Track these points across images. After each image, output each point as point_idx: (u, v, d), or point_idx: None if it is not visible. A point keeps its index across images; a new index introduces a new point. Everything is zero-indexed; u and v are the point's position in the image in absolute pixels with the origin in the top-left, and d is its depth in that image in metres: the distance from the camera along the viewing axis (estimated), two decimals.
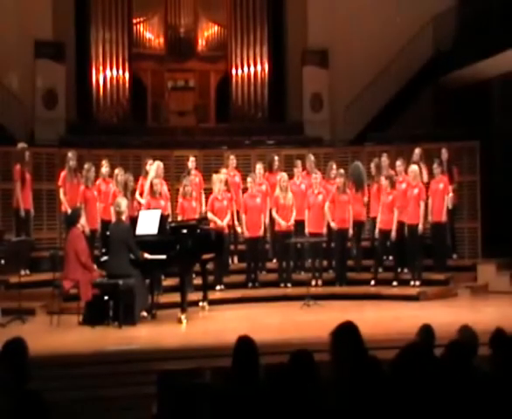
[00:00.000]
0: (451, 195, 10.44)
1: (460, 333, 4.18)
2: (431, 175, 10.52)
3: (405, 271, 10.25)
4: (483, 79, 12.65)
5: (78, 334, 7.53)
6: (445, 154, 10.72)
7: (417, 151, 10.60)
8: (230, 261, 10.51)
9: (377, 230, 10.11)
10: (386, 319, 8.17)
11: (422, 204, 9.95)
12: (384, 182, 10.09)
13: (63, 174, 9.94)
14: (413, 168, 10.10)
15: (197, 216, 9.66)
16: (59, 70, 13.42)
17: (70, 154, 9.98)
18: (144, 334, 7.61)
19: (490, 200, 11.55)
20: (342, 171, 10.34)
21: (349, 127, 13.73)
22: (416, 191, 9.95)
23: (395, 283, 10.01)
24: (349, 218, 10.08)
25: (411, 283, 9.94)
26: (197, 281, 9.37)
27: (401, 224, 10.03)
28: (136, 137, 12.87)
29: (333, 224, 10.09)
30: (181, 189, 10.01)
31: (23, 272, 9.23)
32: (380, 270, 10.27)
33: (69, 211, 9.32)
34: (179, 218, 9.74)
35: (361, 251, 10.42)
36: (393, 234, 9.98)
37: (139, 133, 13.28)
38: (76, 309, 7.96)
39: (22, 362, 3.29)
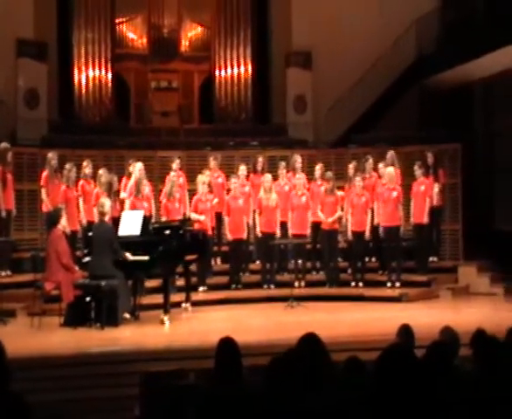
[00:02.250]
0: (436, 190, 10.54)
1: (441, 333, 4.22)
2: (412, 177, 10.61)
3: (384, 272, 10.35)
4: (466, 82, 12.76)
5: (59, 336, 7.48)
6: (430, 157, 10.81)
7: (389, 154, 10.66)
8: (213, 262, 10.50)
9: (349, 232, 10.15)
10: (369, 320, 8.21)
11: (400, 207, 10.05)
12: (358, 183, 10.15)
13: (45, 174, 9.87)
14: (389, 170, 10.20)
15: (180, 218, 9.65)
16: (42, 69, 13.31)
17: (50, 155, 9.90)
18: (127, 336, 7.58)
19: (471, 202, 11.66)
20: (330, 173, 10.38)
21: (332, 129, 13.77)
22: (395, 194, 10.04)
23: (389, 283, 10.04)
24: (336, 220, 10.13)
25: (388, 284, 10.01)
26: (180, 282, 9.36)
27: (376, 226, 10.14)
28: (120, 137, 12.80)
29: (330, 220, 10.08)
30: (165, 190, 9.98)
31: (3, 273, 9.17)
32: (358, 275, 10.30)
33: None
34: (163, 219, 9.72)
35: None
36: (367, 235, 10.04)
37: (122, 134, 13.21)
38: (58, 310, 7.90)
39: (0, 364, 3.26)
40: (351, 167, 10.65)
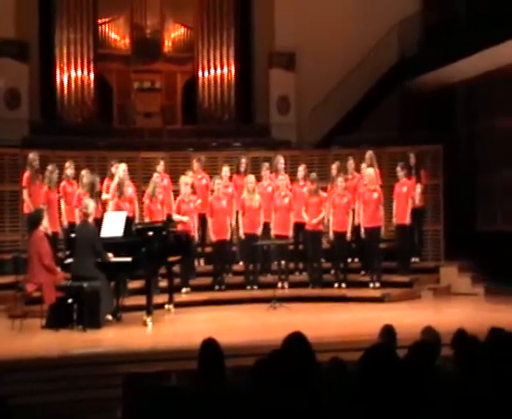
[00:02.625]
0: (418, 190, 10.62)
1: (423, 334, 4.25)
2: (395, 178, 10.69)
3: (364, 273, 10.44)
4: (448, 84, 12.86)
5: (41, 338, 7.43)
6: (413, 158, 10.91)
7: (367, 155, 10.71)
8: (196, 263, 10.49)
9: (331, 233, 10.20)
10: (352, 320, 8.25)
11: (381, 208, 10.12)
12: (340, 183, 10.20)
13: (26, 175, 9.78)
14: (369, 171, 10.27)
15: (163, 219, 9.63)
16: (23, 69, 13.19)
17: (31, 156, 9.81)
18: (109, 337, 7.57)
19: (453, 203, 11.76)
20: (314, 174, 10.41)
21: (315, 130, 13.81)
22: (375, 195, 10.11)
23: (371, 284, 10.09)
24: (320, 220, 10.17)
25: (371, 285, 10.08)
26: (164, 283, 9.35)
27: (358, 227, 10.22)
28: (102, 138, 12.73)
29: (314, 221, 10.11)
30: (148, 191, 9.97)
31: None
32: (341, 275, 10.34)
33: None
34: (146, 220, 9.71)
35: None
36: (348, 235, 10.11)
37: (105, 135, 13.13)
38: (39, 312, 7.85)
39: None
40: (334, 167, 10.72)
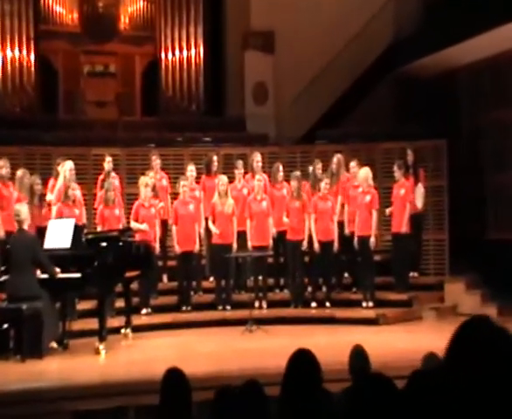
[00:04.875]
0: (422, 190, 10.68)
1: (424, 361, 4.25)
2: (389, 178, 10.75)
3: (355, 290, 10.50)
4: (450, 69, 12.98)
5: None
6: (410, 155, 10.97)
7: (336, 159, 10.66)
8: (158, 280, 10.45)
9: (316, 244, 10.20)
10: (339, 345, 8.22)
11: (375, 213, 10.15)
12: (324, 185, 10.23)
13: None
14: (364, 170, 10.27)
15: (120, 227, 9.60)
16: None
17: None
18: (54, 369, 7.49)
19: (459, 208, 11.84)
20: (297, 173, 10.41)
21: (297, 123, 13.85)
22: (368, 198, 10.15)
23: (364, 303, 10.13)
24: (303, 228, 10.17)
25: (364, 304, 10.12)
26: (119, 304, 9.31)
27: (353, 236, 10.25)
28: (45, 132, 12.64)
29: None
30: (100, 194, 9.93)
31: None
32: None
33: None
34: (98, 229, 9.67)
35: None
36: (336, 245, 10.14)
37: (49, 128, 13.05)
38: None
39: None
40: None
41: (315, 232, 10.16)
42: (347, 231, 10.36)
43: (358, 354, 4.46)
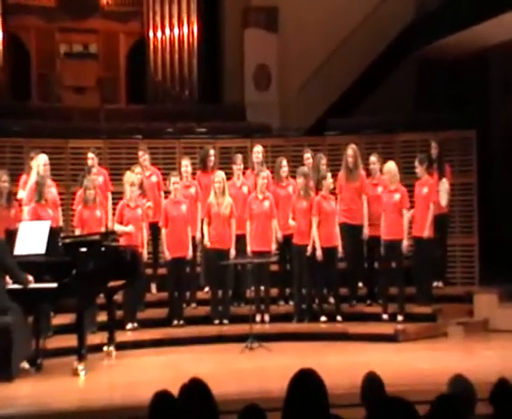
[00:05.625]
0: (446, 187, 10.63)
1: (451, 384, 4.23)
2: (409, 174, 10.71)
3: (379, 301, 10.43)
4: (480, 49, 12.95)
5: None
6: (434, 147, 10.93)
7: (350, 151, 10.63)
8: (146, 290, 10.44)
9: (318, 251, 10.15)
10: (353, 366, 8.23)
11: (406, 214, 10.11)
12: (327, 182, 10.21)
13: None
14: (390, 166, 10.24)
15: (102, 230, 9.59)
16: None
17: None
18: (25, 393, 7.46)
19: (490, 209, 11.81)
20: (305, 169, 10.39)
21: (304, 112, 13.85)
22: (397, 197, 10.11)
23: (385, 316, 10.13)
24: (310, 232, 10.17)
25: (384, 317, 10.10)
26: (102, 317, 9.30)
27: (373, 240, 10.25)
28: (16, 121, 12.65)
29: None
30: (79, 193, 9.91)
31: None
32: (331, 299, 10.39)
33: None
34: (77, 232, 9.65)
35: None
36: (340, 250, 10.16)
37: (20, 116, 13.06)
38: None
39: None
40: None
41: (319, 237, 10.12)
42: (365, 235, 10.34)
43: (372, 384, 4.42)
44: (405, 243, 10.07)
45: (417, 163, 10.52)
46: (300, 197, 10.28)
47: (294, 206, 10.31)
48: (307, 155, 10.83)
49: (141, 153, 10.78)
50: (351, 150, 10.57)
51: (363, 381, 4.47)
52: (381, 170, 10.42)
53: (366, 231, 10.40)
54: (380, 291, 10.38)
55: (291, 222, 10.26)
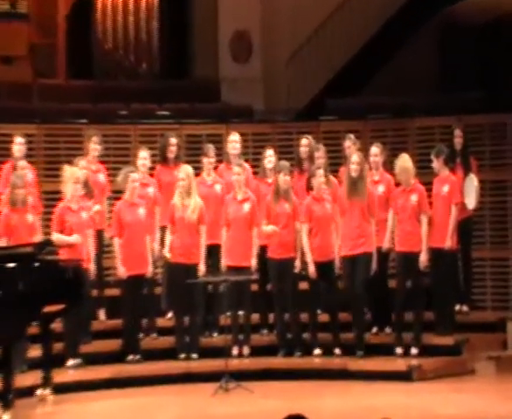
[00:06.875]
0: (475, 184, 10.61)
1: None
2: (426, 169, 10.74)
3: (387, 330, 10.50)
4: None
5: None
6: (458, 136, 10.93)
7: (350, 141, 10.71)
8: (93, 316, 10.44)
9: (311, 266, 10.16)
10: (355, 412, 8.27)
11: (424, 220, 10.13)
12: (318, 179, 10.23)
13: None
14: (404, 161, 10.20)
15: (36, 240, 9.53)
16: None
17: None
18: None
19: None
20: (285, 163, 10.40)
21: (295, 91, 13.88)
22: (414, 198, 10.12)
23: (399, 349, 10.15)
24: (294, 242, 10.22)
25: (398, 350, 10.10)
26: (35, 352, 9.22)
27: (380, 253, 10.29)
28: None
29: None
30: (6, 193, 9.89)
31: None
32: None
33: None
34: (2, 243, 9.61)
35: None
36: (337, 264, 10.21)
37: None
38: None
39: None
40: (319, 155, 10.67)
41: (310, 250, 10.13)
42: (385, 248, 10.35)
43: None
44: (424, 256, 10.10)
45: (433, 156, 10.50)
46: (279, 198, 10.23)
47: (269, 209, 10.25)
48: (305, 142, 10.82)
49: (93, 144, 10.69)
50: (357, 157, 10.19)
51: None
52: (384, 165, 10.42)
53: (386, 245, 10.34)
54: (394, 317, 10.39)
55: (267, 227, 10.20)
